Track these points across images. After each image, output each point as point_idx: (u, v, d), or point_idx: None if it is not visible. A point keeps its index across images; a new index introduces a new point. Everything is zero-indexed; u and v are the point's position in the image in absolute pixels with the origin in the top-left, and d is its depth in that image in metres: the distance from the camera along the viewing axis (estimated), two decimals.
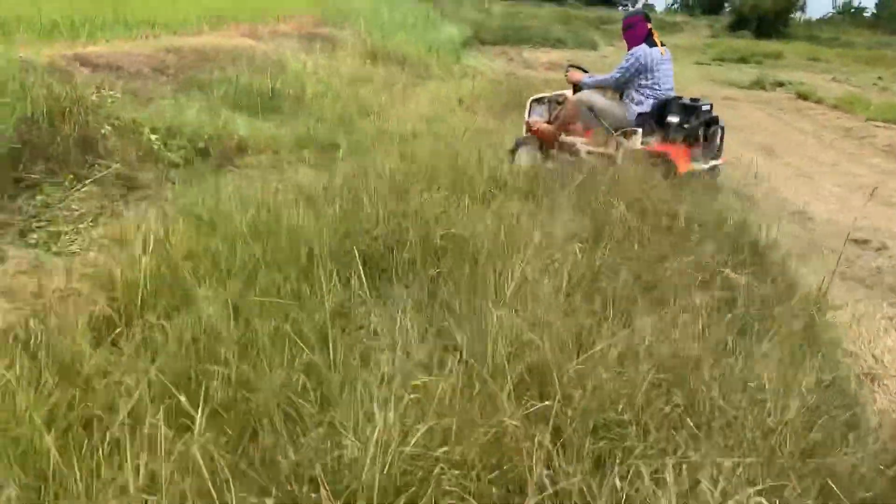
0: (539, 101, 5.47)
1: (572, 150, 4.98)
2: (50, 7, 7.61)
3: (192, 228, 3.10)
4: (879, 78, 17.64)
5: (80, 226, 3.56)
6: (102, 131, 4.25)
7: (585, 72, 5.33)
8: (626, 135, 4.77)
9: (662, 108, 4.78)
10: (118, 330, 2.24)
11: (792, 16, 38.97)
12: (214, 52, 7.33)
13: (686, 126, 4.68)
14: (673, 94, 4.90)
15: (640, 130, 4.78)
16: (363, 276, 2.58)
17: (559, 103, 5.36)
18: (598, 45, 22.00)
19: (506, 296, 2.41)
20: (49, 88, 4.03)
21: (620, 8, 51.46)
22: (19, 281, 2.97)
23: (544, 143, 5.24)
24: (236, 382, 1.92)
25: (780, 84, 14.51)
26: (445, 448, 1.64)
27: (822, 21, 45.40)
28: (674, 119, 4.73)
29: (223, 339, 2.07)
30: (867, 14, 51.83)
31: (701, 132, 4.75)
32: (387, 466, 1.55)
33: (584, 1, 47.41)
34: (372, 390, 1.80)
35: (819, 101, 12.25)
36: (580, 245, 3.10)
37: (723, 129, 4.91)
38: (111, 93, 4.78)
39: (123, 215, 3.83)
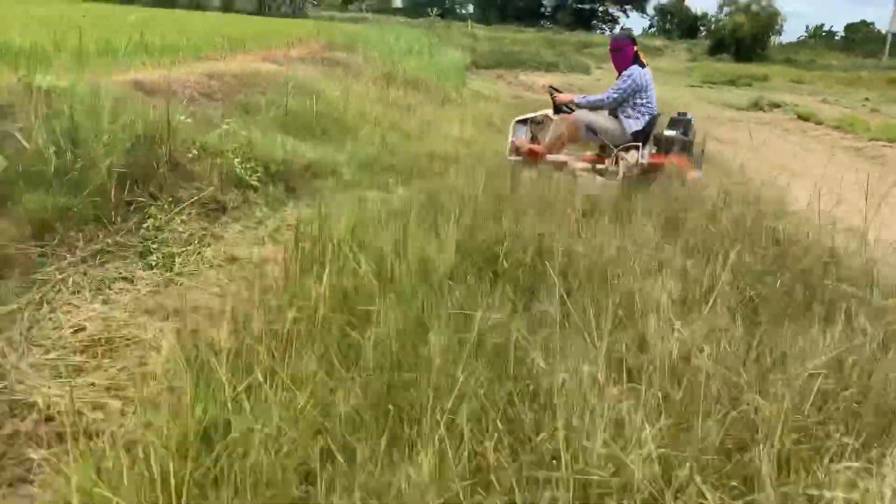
0: (522, 122, 5.60)
1: (564, 168, 5.16)
2: (72, 35, 7.71)
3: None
4: (867, 99, 18.37)
5: (189, 247, 3.66)
6: (189, 155, 4.35)
7: (560, 92, 5.60)
8: (626, 150, 5.13)
9: (652, 123, 5.17)
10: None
11: (768, 40, 40.19)
12: (252, 77, 7.46)
13: (682, 138, 5.14)
14: (657, 111, 5.30)
15: (640, 145, 5.17)
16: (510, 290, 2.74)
17: (538, 123, 5.55)
18: (589, 68, 22.54)
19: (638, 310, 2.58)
20: (145, 115, 4.13)
21: (598, 32, 52.71)
22: (155, 300, 3.07)
23: (532, 162, 5.37)
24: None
25: (777, 105, 15.05)
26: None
27: (797, 44, 46.89)
28: (670, 132, 5.19)
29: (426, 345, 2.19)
30: (837, 38, 53.76)
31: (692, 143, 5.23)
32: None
33: (563, 25, 48.50)
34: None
35: (820, 123, 12.73)
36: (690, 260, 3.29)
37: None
38: (181, 118, 4.89)
39: (224, 237, 3.94)
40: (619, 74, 5.23)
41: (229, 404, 1.89)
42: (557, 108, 5.48)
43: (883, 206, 3.72)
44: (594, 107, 5.28)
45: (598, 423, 1.78)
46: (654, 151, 5.21)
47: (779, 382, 2.01)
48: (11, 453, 2.08)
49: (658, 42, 43.55)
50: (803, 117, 13.47)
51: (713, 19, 45.88)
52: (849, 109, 15.57)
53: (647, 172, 5.07)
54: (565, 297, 2.88)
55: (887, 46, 39.26)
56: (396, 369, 2.19)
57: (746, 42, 37.44)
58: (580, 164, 5.25)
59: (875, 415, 2.04)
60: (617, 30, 57.75)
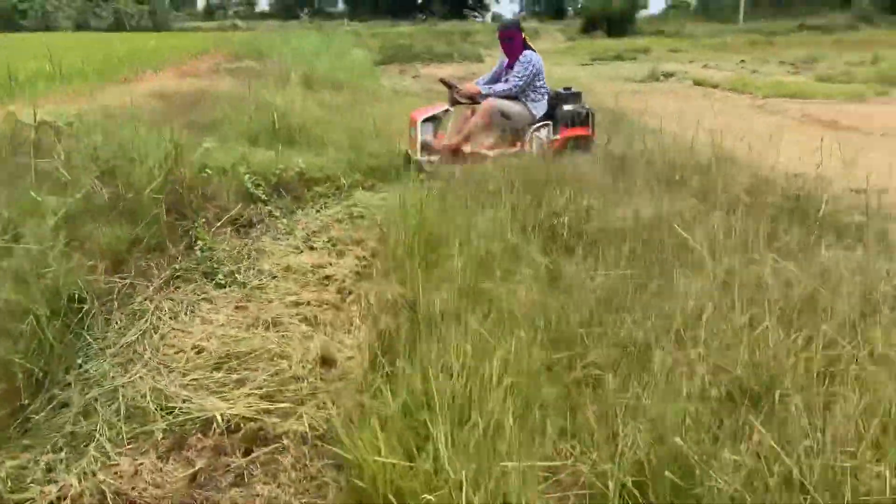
0: (429, 119, 5.63)
1: (481, 158, 5.37)
2: None
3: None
4: (742, 61, 20.05)
5: (243, 263, 3.75)
6: (203, 175, 4.39)
7: (455, 85, 5.76)
8: (537, 130, 5.66)
9: (551, 103, 5.72)
10: None
11: (636, 14, 42.60)
12: (199, 94, 7.40)
13: (581, 111, 5.77)
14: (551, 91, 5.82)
15: (550, 124, 5.72)
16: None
17: (435, 119, 5.66)
18: (481, 56, 23.17)
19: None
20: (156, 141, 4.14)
21: (473, 18, 53.96)
22: (248, 313, 3.18)
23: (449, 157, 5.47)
24: None
25: (671, 74, 16.20)
26: None
27: (661, 16, 49.93)
28: (568, 107, 5.76)
29: None
30: (692, 8, 57.68)
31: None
32: None
33: (439, 16, 49.22)
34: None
35: (715, 87, 13.88)
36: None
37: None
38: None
39: (265, 250, 4.04)
40: (510, 61, 5.65)
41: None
42: (455, 101, 5.65)
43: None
44: (501, 96, 5.57)
45: None
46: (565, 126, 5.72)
47: None
48: (216, 464, 2.20)
49: (532, 25, 45.13)
50: (699, 83, 14.62)
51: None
52: (731, 73, 16.98)
53: (565, 147, 5.51)
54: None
55: (741, 12, 42.63)
56: None
57: (616, 18, 39.52)
58: (495, 152, 5.53)
59: None
60: (489, 18, 59.34)
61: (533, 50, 5.67)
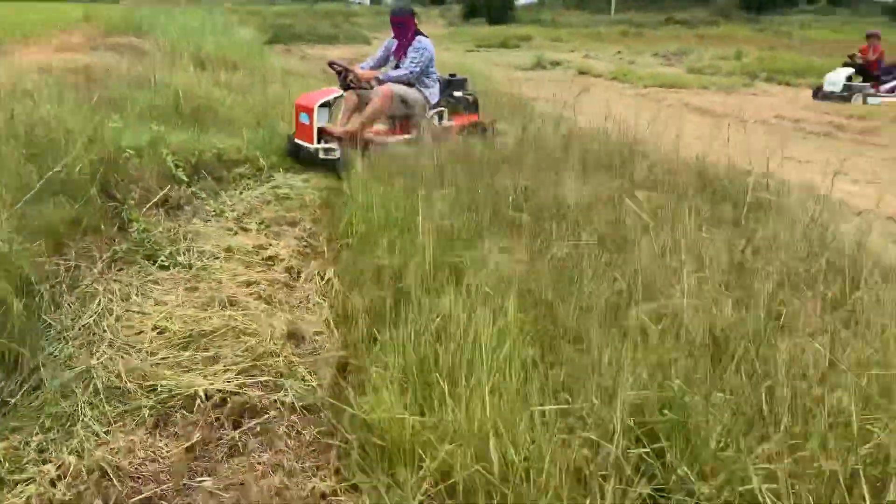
0: (324, 105, 5.49)
1: (380, 145, 5.30)
2: None
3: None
4: (619, 52, 21.21)
5: (181, 245, 3.69)
6: (125, 155, 4.24)
7: (348, 69, 5.67)
8: (432, 117, 5.71)
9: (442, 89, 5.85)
10: None
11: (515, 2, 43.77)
12: (87, 71, 7.01)
13: (466, 97, 6.04)
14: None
15: (445, 110, 5.84)
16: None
17: (328, 105, 5.55)
18: (369, 39, 23.08)
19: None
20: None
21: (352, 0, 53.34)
22: (200, 293, 3.17)
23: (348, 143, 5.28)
24: None
25: (557, 63, 16.90)
26: None
27: (537, 5, 51.53)
28: (458, 93, 6.01)
29: None
30: None
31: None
32: None
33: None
34: None
35: (598, 76, 14.67)
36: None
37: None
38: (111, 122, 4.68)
39: (199, 232, 3.98)
40: (400, 45, 5.66)
41: None
42: (347, 86, 5.55)
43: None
44: (397, 82, 5.52)
45: None
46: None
47: None
48: (209, 437, 2.24)
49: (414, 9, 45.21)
50: (583, 72, 15.37)
51: None
52: (611, 63, 17.97)
53: (460, 133, 5.59)
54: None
55: (613, 4, 44.87)
56: None
57: (497, 5, 40.45)
58: (393, 139, 5.54)
59: None
60: (367, 0, 58.82)
61: (425, 36, 5.70)
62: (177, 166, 4.66)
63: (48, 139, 3.63)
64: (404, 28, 5.70)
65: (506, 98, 9.37)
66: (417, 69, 5.57)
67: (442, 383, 1.98)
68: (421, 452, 1.85)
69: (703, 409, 1.82)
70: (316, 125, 5.38)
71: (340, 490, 1.99)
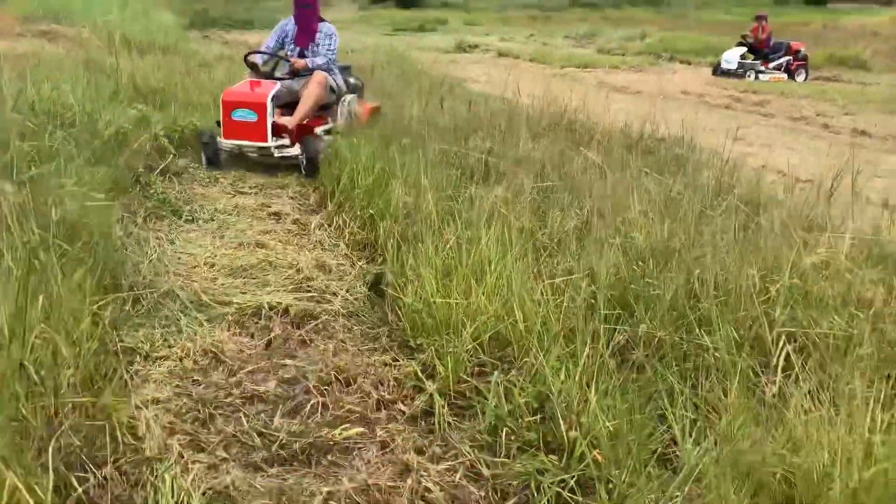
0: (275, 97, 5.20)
1: (318, 136, 5.31)
2: None
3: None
4: (531, 35, 22.33)
5: (196, 205, 4.27)
6: (122, 130, 4.73)
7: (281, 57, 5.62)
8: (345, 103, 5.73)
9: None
10: None
11: None
12: (32, 57, 7.29)
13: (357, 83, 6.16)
14: None
15: (355, 96, 5.94)
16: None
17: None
18: None
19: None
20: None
21: None
22: (232, 239, 3.78)
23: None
24: None
25: (475, 46, 17.77)
26: None
27: None
28: (352, 79, 6.07)
29: None
30: None
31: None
32: None
33: None
34: None
35: (517, 58, 15.62)
36: None
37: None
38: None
39: (204, 194, 4.55)
40: (302, 29, 5.54)
41: None
42: (295, 73, 5.44)
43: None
44: (320, 69, 5.43)
45: None
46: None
47: None
48: (281, 335, 2.90)
49: None
50: (503, 54, 16.30)
51: None
52: (527, 45, 19.01)
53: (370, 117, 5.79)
54: None
55: None
56: None
57: None
58: (321, 127, 5.49)
59: None
60: None
61: (327, 21, 5.67)
62: (168, 140, 5.17)
63: (67, 116, 4.10)
64: (311, 12, 5.57)
65: (437, 79, 10.11)
66: (333, 56, 5.54)
67: (470, 277, 2.73)
68: (462, 323, 2.59)
69: (660, 283, 2.65)
70: (269, 120, 5.02)
71: (397, 358, 2.70)
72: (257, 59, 5.55)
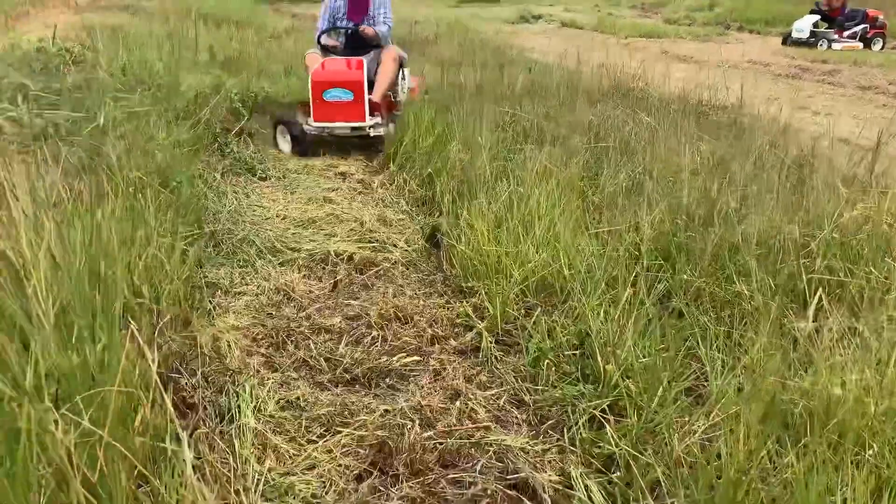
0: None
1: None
2: None
3: None
4: (596, 5, 21.95)
5: (268, 164, 4.55)
6: (201, 94, 5.04)
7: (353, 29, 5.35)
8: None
9: None
10: None
11: None
12: (119, 29, 7.69)
13: None
14: None
15: (409, 69, 5.63)
16: None
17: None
18: None
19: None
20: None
21: None
22: (297, 195, 4.04)
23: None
24: None
25: (539, 17, 17.63)
26: None
27: None
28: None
29: None
30: None
31: None
32: None
33: None
34: None
35: (581, 28, 15.45)
36: None
37: None
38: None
39: (277, 154, 4.83)
40: (360, 2, 5.32)
41: None
42: (346, 49, 5.31)
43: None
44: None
45: None
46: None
47: None
48: (346, 279, 3.14)
49: None
50: (566, 24, 16.15)
51: None
52: (591, 16, 18.73)
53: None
54: None
55: None
56: None
57: None
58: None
59: None
60: None
61: None
62: (243, 104, 5.47)
63: (153, 80, 4.42)
64: None
65: (502, 49, 10.18)
66: (391, 24, 5.35)
67: (519, 228, 2.90)
68: (510, 269, 2.77)
69: (701, 238, 2.77)
70: (366, 98, 4.86)
71: (450, 302, 2.91)
72: (328, 39, 5.38)
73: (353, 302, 2.93)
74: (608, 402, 2.09)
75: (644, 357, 2.18)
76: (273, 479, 1.78)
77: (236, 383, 2.12)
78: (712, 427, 1.86)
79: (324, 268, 3.21)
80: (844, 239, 2.63)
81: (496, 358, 2.51)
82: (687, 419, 1.94)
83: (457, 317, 2.78)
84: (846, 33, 12.95)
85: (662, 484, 1.73)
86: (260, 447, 1.89)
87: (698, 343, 2.32)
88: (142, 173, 2.63)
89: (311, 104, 4.87)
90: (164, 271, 2.32)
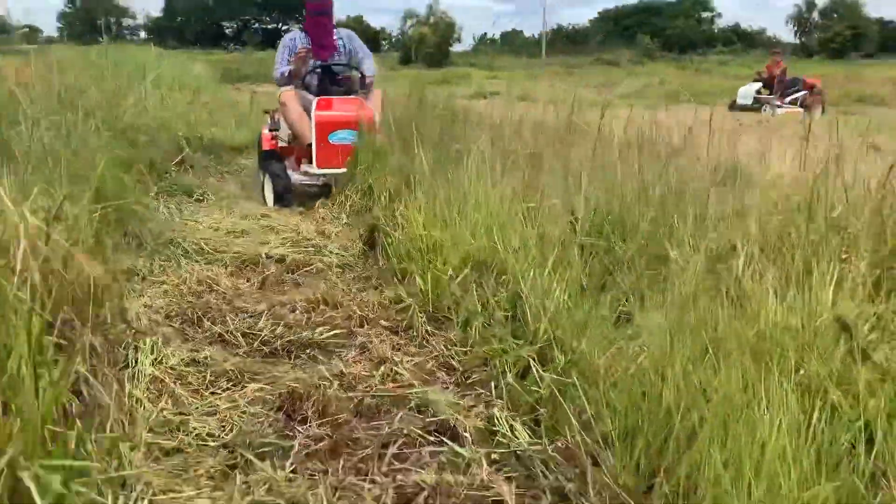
0: None
1: None
2: None
3: None
4: (552, 85, 22.84)
5: (206, 188, 4.49)
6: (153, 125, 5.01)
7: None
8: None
9: None
10: None
11: (450, 48, 45.79)
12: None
13: None
14: None
15: None
16: None
17: None
18: None
19: None
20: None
21: None
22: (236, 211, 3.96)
23: None
24: None
25: (496, 93, 18.22)
26: None
27: (471, 51, 53.92)
28: None
29: None
30: (497, 44, 62.96)
31: None
32: None
33: (252, 45, 49.05)
34: None
35: (535, 101, 15.98)
36: None
37: None
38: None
39: (216, 184, 4.78)
40: (319, 39, 4.66)
41: None
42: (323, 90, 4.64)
43: None
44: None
45: None
46: None
47: None
48: (276, 278, 3.03)
49: None
50: (521, 98, 16.69)
51: (396, 33, 50.92)
52: (546, 92, 19.43)
53: None
54: None
55: (543, 48, 47.58)
56: None
57: (432, 51, 42.35)
58: None
59: None
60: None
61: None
62: (188, 142, 5.46)
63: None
64: (327, 20, 4.69)
65: (454, 109, 10.40)
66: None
67: (455, 214, 2.86)
68: (442, 249, 2.71)
69: (636, 212, 2.75)
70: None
71: (384, 291, 2.81)
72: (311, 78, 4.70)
73: (281, 298, 2.83)
74: (536, 350, 2.00)
75: (572, 307, 2.12)
76: (165, 417, 1.63)
77: (138, 340, 1.99)
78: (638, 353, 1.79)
79: (253, 268, 3.11)
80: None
81: (428, 332, 2.41)
82: (611, 343, 1.87)
83: (390, 303, 2.68)
84: (787, 99, 13.59)
85: (584, 401, 1.63)
86: (156, 392, 1.75)
87: (628, 300, 2.26)
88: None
89: (313, 148, 4.29)
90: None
